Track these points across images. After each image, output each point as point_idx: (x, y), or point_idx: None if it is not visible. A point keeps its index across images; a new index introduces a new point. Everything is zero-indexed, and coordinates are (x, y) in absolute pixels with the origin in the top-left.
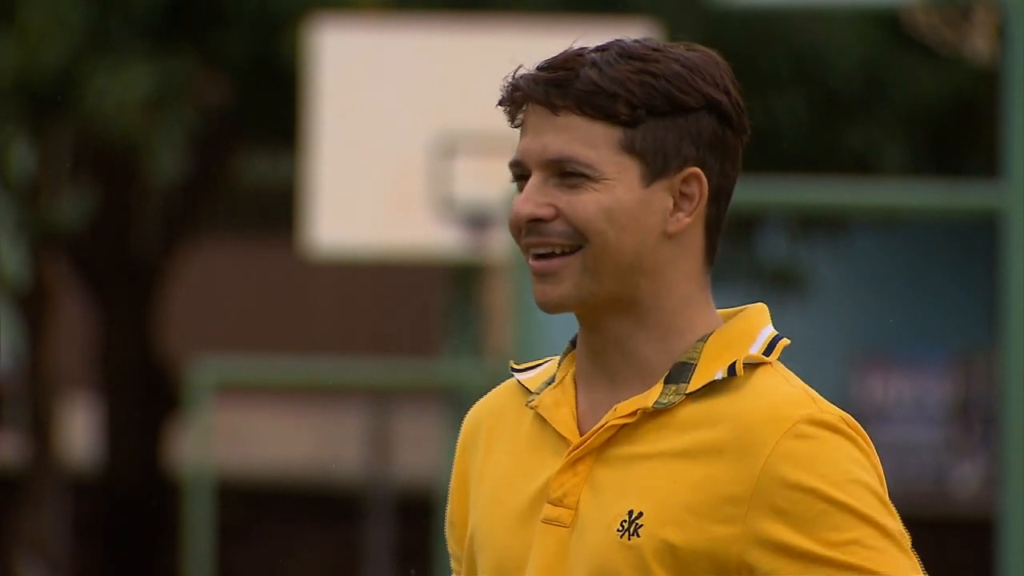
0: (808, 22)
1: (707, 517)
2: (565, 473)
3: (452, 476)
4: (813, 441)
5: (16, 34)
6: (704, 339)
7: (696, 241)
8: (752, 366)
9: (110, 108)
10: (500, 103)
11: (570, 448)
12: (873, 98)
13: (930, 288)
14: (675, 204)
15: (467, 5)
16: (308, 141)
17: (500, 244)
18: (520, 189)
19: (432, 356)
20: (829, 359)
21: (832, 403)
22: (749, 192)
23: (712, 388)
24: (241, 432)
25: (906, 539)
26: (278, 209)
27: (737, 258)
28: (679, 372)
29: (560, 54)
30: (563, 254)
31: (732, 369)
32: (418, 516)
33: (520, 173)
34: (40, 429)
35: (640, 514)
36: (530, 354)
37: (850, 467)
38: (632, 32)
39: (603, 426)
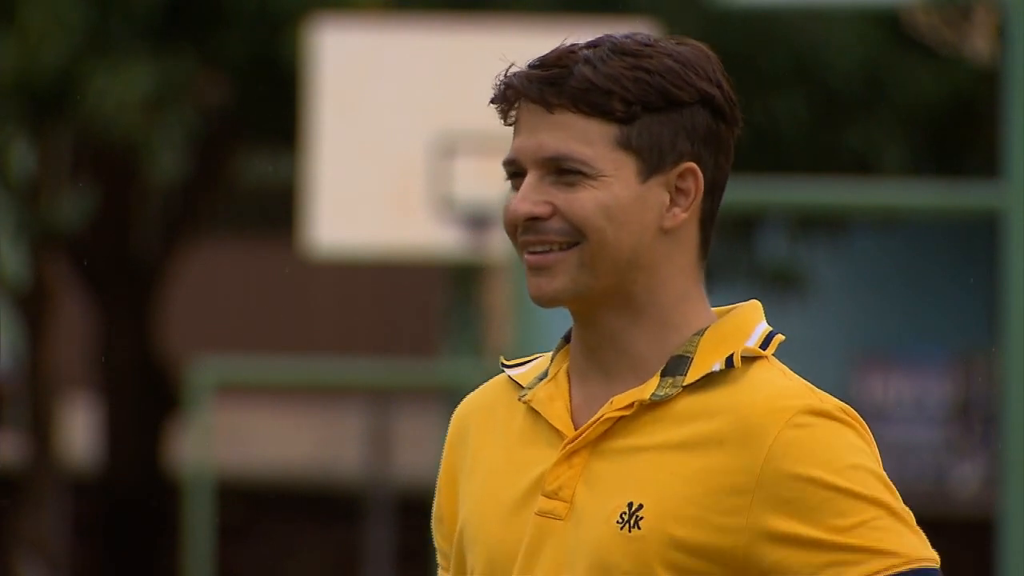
0: (808, 22)
1: (710, 509)
2: (560, 466)
3: (440, 471)
4: (813, 430)
5: (16, 34)
6: (700, 333)
7: (691, 236)
8: (749, 360)
9: (110, 108)
10: (492, 101)
11: (566, 441)
12: (873, 98)
13: (930, 288)
14: (671, 199)
15: (467, 5)
16: (308, 141)
17: (500, 244)
18: (514, 187)
19: (432, 356)
20: (829, 359)
21: None
22: (749, 192)
23: (709, 381)
24: (241, 432)
25: (911, 517)
26: (278, 209)
27: (737, 258)
28: (675, 365)
29: (552, 51)
30: (560, 250)
31: (730, 361)
32: (418, 516)
33: (514, 171)
34: (40, 429)
35: (640, 506)
36: (530, 353)
37: (850, 453)
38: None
39: (599, 418)
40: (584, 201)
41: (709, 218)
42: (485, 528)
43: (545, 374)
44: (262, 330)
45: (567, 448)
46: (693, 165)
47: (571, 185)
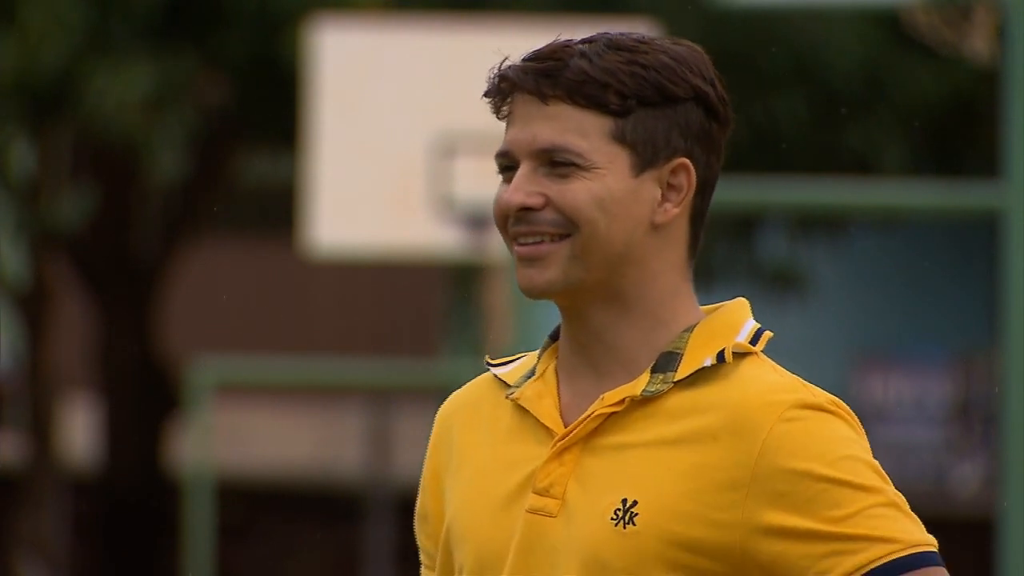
0: (808, 22)
1: (705, 504)
2: (551, 463)
3: (424, 470)
4: (806, 423)
5: (16, 34)
6: (690, 329)
7: (681, 232)
8: (739, 356)
9: (110, 108)
10: (486, 94)
11: (556, 438)
12: (873, 98)
13: (930, 288)
14: (663, 195)
15: (467, 5)
16: (308, 141)
17: (500, 244)
18: (506, 181)
19: (432, 356)
20: (829, 359)
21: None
22: (749, 192)
23: (700, 376)
24: (241, 432)
25: (905, 503)
26: (278, 209)
27: (737, 258)
28: (666, 361)
29: (547, 45)
30: (552, 241)
31: (721, 356)
32: None
33: (507, 164)
34: (40, 429)
35: (635, 503)
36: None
37: (842, 444)
38: (641, 31)
39: (590, 415)
40: (577, 192)
41: (699, 216)
42: (473, 526)
43: (532, 372)
44: (262, 330)
45: (558, 445)
46: (686, 161)
47: (564, 177)
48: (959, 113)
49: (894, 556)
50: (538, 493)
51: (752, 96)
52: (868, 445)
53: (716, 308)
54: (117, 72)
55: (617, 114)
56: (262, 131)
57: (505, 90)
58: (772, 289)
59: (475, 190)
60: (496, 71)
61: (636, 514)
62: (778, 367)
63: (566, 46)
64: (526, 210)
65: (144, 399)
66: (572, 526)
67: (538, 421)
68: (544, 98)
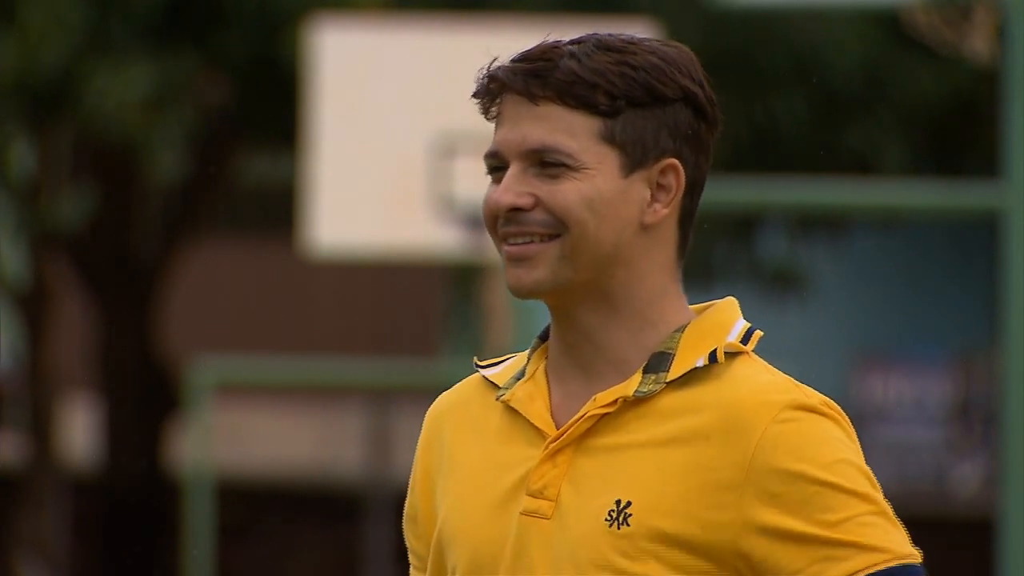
0: (808, 22)
1: (698, 504)
2: (545, 465)
3: (414, 471)
4: (799, 424)
5: (16, 34)
6: (681, 330)
7: (670, 233)
8: (731, 356)
9: (110, 108)
10: (475, 95)
11: (549, 439)
12: (873, 98)
13: (930, 288)
14: (652, 195)
15: (467, 5)
16: (308, 141)
17: None
18: (495, 182)
19: (432, 356)
20: (829, 359)
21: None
22: (749, 192)
23: (692, 377)
24: (241, 432)
25: (892, 512)
26: (278, 209)
27: (737, 258)
28: (658, 362)
29: (536, 46)
30: (541, 241)
31: (713, 356)
32: None
33: (496, 165)
34: (40, 429)
35: (628, 503)
36: None
37: (836, 448)
38: (633, 32)
39: (583, 416)
40: (567, 193)
41: (688, 217)
42: (467, 528)
43: (522, 373)
44: (262, 330)
45: (551, 447)
46: (675, 161)
47: (554, 177)
48: (959, 113)
49: (881, 566)
50: (532, 495)
51: (752, 96)
52: (859, 448)
53: (706, 307)
54: (117, 72)
55: (606, 114)
56: (262, 131)
57: (495, 91)
58: (772, 289)
59: (475, 190)
60: (485, 72)
61: (630, 515)
62: (770, 366)
63: (555, 47)
64: (516, 210)
65: (144, 399)
66: (566, 528)
67: (529, 422)
68: (534, 98)
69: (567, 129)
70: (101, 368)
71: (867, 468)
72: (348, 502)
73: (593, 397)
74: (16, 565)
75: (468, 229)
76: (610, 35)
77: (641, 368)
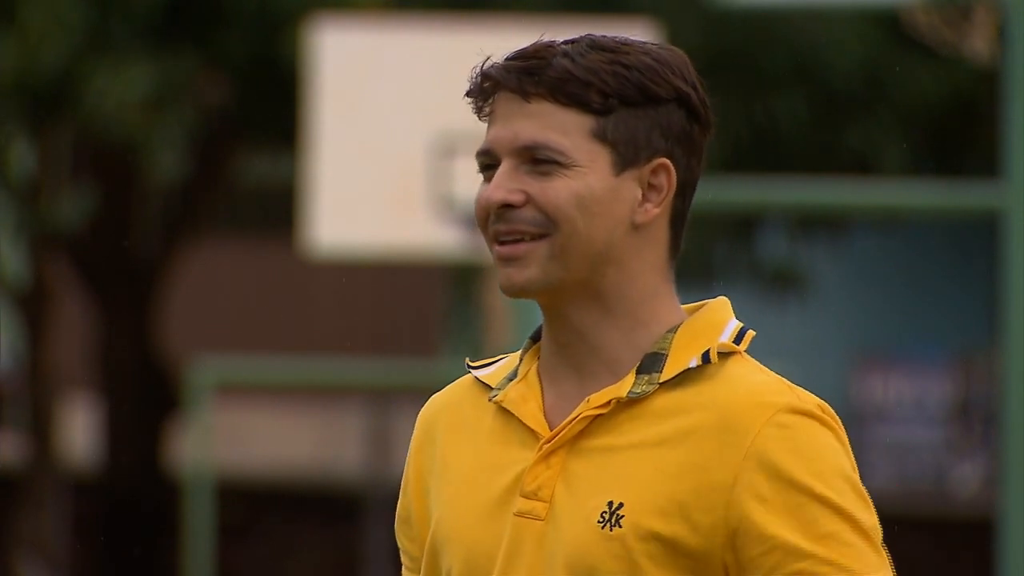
0: (808, 22)
1: (690, 505)
2: (538, 466)
3: (406, 472)
4: (794, 430)
5: (16, 34)
6: (673, 330)
7: (662, 233)
8: (724, 356)
9: (110, 108)
10: (468, 94)
11: (543, 441)
12: (873, 98)
13: (930, 288)
14: (643, 195)
15: (467, 5)
16: (308, 141)
17: None
18: (487, 180)
19: (432, 356)
20: (829, 359)
21: (831, 403)
22: (749, 192)
23: (686, 377)
24: (241, 432)
25: (878, 533)
26: (278, 209)
27: (737, 258)
28: (651, 362)
29: (530, 45)
30: (531, 240)
31: (706, 356)
32: None
33: (488, 163)
34: (40, 429)
35: (620, 505)
36: None
37: (829, 458)
38: (632, 32)
39: (576, 417)
40: (558, 190)
41: (680, 218)
42: (461, 529)
43: (514, 374)
44: (262, 330)
45: (545, 448)
46: (666, 161)
47: (546, 175)
48: (959, 113)
49: None
50: (526, 496)
51: (752, 96)
52: (851, 454)
53: (698, 307)
54: (117, 72)
55: (599, 113)
56: (262, 131)
57: (488, 89)
58: (772, 289)
59: (475, 190)
60: (479, 70)
61: (622, 516)
62: (762, 367)
63: (549, 46)
64: (506, 207)
65: (144, 399)
66: (559, 529)
67: (522, 423)
68: (526, 96)
69: (559, 127)
70: (101, 368)
71: (856, 479)
72: (348, 502)
73: (586, 398)
74: (16, 565)
75: (468, 229)
76: (604, 36)
77: (634, 369)
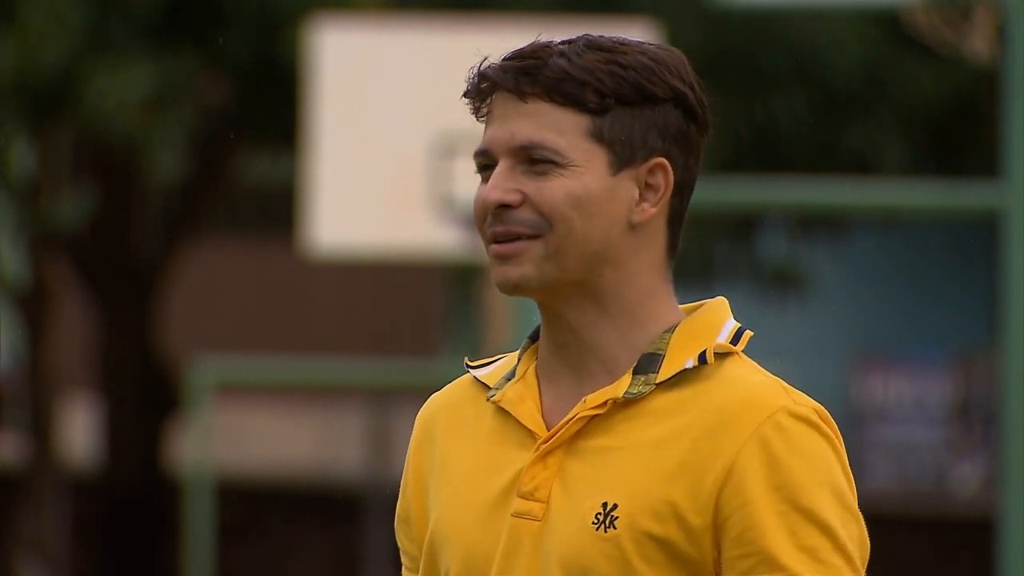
0: (808, 22)
1: (683, 507)
2: (536, 466)
3: (405, 472)
4: (787, 434)
5: (16, 34)
6: (671, 330)
7: (659, 233)
8: (720, 356)
9: (110, 108)
10: (466, 94)
11: (540, 441)
12: (873, 98)
13: (930, 288)
14: (640, 194)
15: (467, 5)
16: (308, 141)
17: None
18: (484, 181)
19: (432, 356)
20: (829, 359)
21: (831, 403)
22: (749, 192)
23: (682, 378)
24: (241, 432)
25: (862, 547)
26: (278, 209)
27: (737, 258)
28: (648, 363)
29: (527, 45)
30: (526, 239)
31: (703, 357)
32: None
33: (485, 163)
34: (40, 429)
35: (615, 506)
36: None
37: (820, 466)
38: (632, 32)
39: (573, 418)
40: (554, 190)
41: (677, 217)
42: (460, 529)
43: (512, 374)
44: (262, 330)
45: (542, 448)
46: (663, 161)
47: (542, 175)
48: (959, 113)
49: None
50: (523, 497)
51: (752, 96)
52: (845, 460)
53: (696, 307)
54: (117, 72)
55: (595, 112)
56: (262, 131)
57: (485, 90)
58: (772, 289)
59: (475, 190)
60: (476, 71)
61: (616, 517)
62: (759, 367)
63: (546, 46)
64: (503, 208)
65: (144, 399)
66: (555, 529)
67: (520, 424)
68: (523, 96)
69: (555, 126)
70: (101, 368)
71: (846, 489)
72: (348, 502)
73: (583, 398)
74: (16, 565)
75: (468, 229)
76: (601, 36)
77: (631, 369)
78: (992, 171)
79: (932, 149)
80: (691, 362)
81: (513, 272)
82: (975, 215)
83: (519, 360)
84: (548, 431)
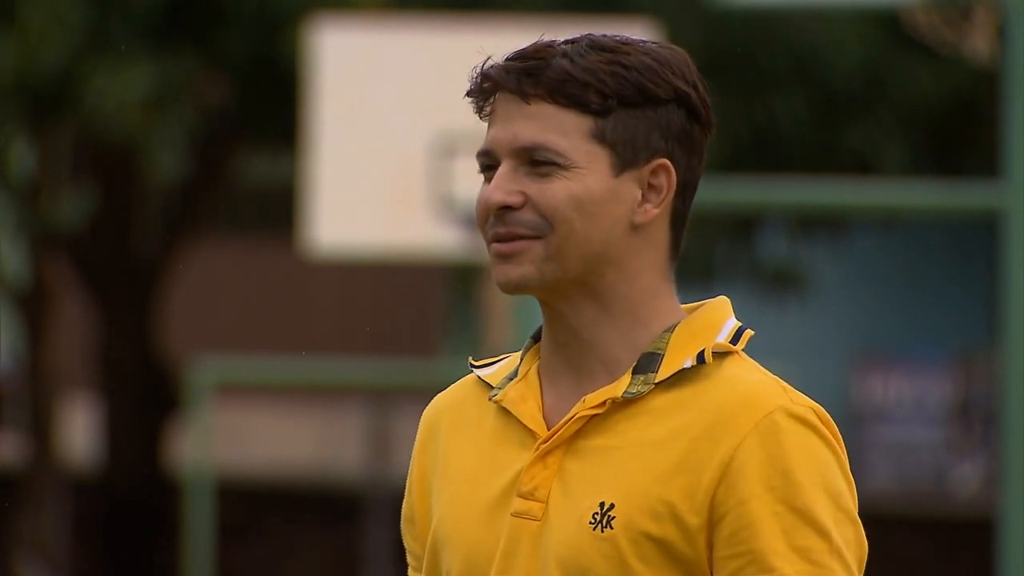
0: (808, 22)
1: (680, 507)
2: (535, 466)
3: (410, 472)
4: (784, 435)
5: (16, 34)
6: (671, 329)
7: (662, 233)
8: (720, 356)
9: (110, 108)
10: (468, 94)
11: (539, 441)
12: (873, 98)
13: (930, 288)
14: (643, 195)
15: (467, 5)
16: (308, 141)
17: None
18: (487, 181)
19: (432, 356)
20: (829, 359)
21: (831, 403)
22: (749, 192)
23: (681, 377)
24: (241, 432)
25: (859, 549)
26: (278, 209)
27: (737, 258)
28: (647, 362)
29: (530, 45)
30: (527, 239)
31: (701, 357)
32: None
33: (488, 163)
34: (40, 429)
35: (612, 506)
36: None
37: (816, 467)
38: (632, 32)
39: (572, 417)
40: (556, 192)
41: (680, 218)
42: (461, 529)
43: (515, 374)
44: (262, 330)
45: (541, 448)
46: (666, 162)
47: (544, 176)
48: (959, 113)
49: None
50: (522, 496)
51: (752, 96)
52: (845, 460)
53: (698, 306)
54: (117, 72)
55: (598, 114)
56: (262, 131)
57: (488, 90)
58: (772, 289)
59: (475, 190)
60: (479, 71)
61: (613, 517)
62: (759, 366)
63: (549, 46)
64: (506, 209)
65: (144, 399)
66: (554, 529)
67: (521, 423)
68: (526, 97)
69: (558, 128)
70: (101, 368)
71: (843, 490)
72: (348, 502)
73: (583, 398)
74: (16, 565)
75: (468, 229)
76: (604, 36)
77: (631, 369)
78: (992, 171)
79: (932, 149)
80: (690, 362)
81: (514, 272)
82: (975, 215)
83: (521, 360)
84: (549, 431)
